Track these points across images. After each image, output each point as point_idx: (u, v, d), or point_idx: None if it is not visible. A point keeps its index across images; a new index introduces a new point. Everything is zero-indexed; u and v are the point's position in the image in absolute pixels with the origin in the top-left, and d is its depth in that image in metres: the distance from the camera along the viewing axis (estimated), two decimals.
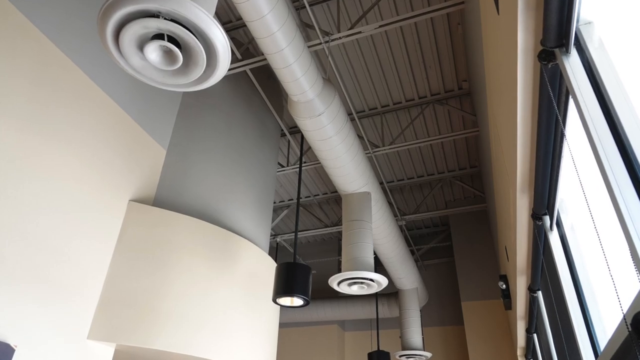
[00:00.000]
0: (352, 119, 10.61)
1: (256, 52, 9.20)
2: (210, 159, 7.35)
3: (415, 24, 8.57)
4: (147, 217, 6.14)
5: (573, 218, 4.47)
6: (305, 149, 11.12)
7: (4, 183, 4.53)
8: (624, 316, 2.46)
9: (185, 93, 7.67)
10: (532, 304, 6.94)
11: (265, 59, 7.48)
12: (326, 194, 13.56)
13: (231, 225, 7.20)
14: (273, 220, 13.87)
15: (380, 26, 7.13)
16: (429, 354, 11.01)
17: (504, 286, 8.91)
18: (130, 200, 6.10)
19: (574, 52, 2.83)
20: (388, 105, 10.34)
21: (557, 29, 2.81)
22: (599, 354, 3.84)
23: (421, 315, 14.01)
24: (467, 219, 13.52)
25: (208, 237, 6.54)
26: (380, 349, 14.80)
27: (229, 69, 7.77)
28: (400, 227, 13.45)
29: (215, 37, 2.88)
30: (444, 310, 14.37)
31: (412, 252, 15.30)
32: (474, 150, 11.60)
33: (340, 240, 16.29)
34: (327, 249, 16.11)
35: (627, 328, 2.39)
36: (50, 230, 4.90)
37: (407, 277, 11.76)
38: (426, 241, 15.63)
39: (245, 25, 8.75)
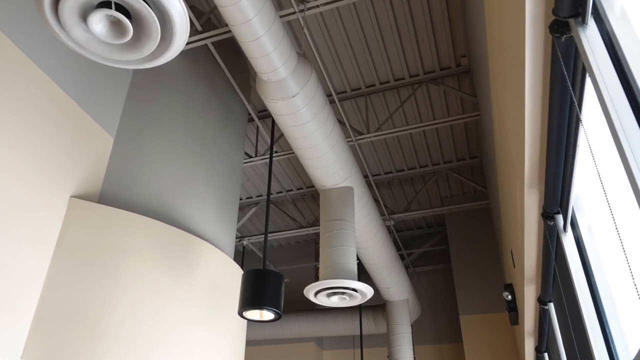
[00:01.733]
0: (332, 102, 10.60)
1: (219, 23, 9.15)
2: (165, 148, 7.31)
3: None
4: (92, 216, 6.10)
5: (590, 217, 4.50)
6: (276, 136, 11.10)
7: None
8: None
9: (136, 71, 7.61)
10: (543, 318, 7.00)
11: (230, 31, 7.44)
12: (301, 189, 13.57)
13: (190, 225, 7.18)
14: (239, 220, 13.85)
15: None
16: None
17: (510, 297, 8.97)
18: (71, 197, 6.05)
19: (591, 23, 2.85)
20: (374, 85, 10.37)
21: None
22: None
23: (412, 331, 14.11)
24: (466, 219, 13.60)
25: (163, 240, 6.51)
26: None
27: (188, 43, 7.71)
28: (388, 227, 13.50)
29: (171, 5, 2.86)
30: (439, 326, 14.45)
31: (402, 257, 15.38)
32: (474, 137, 11.67)
33: (318, 243, 16.31)
34: (303, 254, 16.12)
35: None
36: None
37: (396, 286, 11.81)
38: (418, 244, 15.70)
39: None
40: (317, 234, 15.71)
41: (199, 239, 7.01)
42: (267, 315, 6.55)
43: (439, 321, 14.50)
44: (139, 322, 5.90)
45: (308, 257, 15.99)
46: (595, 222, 4.40)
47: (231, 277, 7.43)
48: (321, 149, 7.50)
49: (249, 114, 10.83)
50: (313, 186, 13.33)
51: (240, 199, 13.90)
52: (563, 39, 3.01)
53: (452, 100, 10.61)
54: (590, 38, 2.80)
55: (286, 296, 15.49)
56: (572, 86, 3.30)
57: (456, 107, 10.77)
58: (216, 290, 7.04)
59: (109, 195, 6.57)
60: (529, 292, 7.18)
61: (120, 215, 6.27)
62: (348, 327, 13.26)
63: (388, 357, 12.03)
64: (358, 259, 12.49)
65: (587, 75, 3.14)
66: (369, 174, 11.10)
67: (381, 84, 10.29)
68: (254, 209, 13.40)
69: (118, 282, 5.91)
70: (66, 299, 5.56)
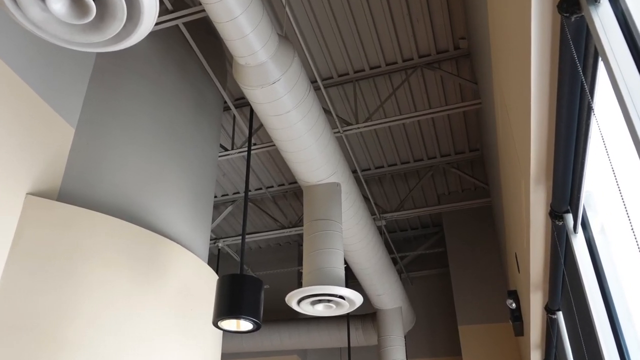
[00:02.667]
0: (317, 89, 10.59)
1: (192, 2, 9.11)
2: (131, 139, 7.28)
3: None
4: (50, 215, 6.06)
5: (603, 217, 4.51)
6: (255, 127, 11.09)
7: None
8: None
9: (99, 55, 7.57)
10: (551, 328, 7.03)
11: (204, 10, 7.42)
12: (283, 185, 13.57)
13: (159, 225, 7.16)
14: (214, 220, 13.81)
15: None
16: None
17: (514, 305, 9.01)
18: (27, 194, 6.01)
19: (604, 1, 2.85)
20: (363, 70, 10.36)
21: None
22: None
23: (406, 343, 14.13)
24: (465, 218, 13.62)
25: (129, 241, 6.49)
26: None
27: (157, 23, 7.68)
28: (379, 228, 13.52)
29: None
30: (435, 337, 14.48)
31: (395, 261, 15.39)
32: (475, 128, 11.69)
33: (301, 245, 16.30)
34: (285, 257, 16.11)
35: None
36: None
37: (388, 293, 11.83)
38: (413, 247, 15.73)
39: None
40: (301, 236, 15.69)
41: (169, 240, 6.99)
42: (245, 325, 6.54)
43: (436, 332, 14.53)
44: (103, 332, 5.88)
45: (290, 260, 15.99)
46: (609, 222, 4.41)
47: (205, 283, 7.42)
48: (305, 141, 7.49)
49: (225, 103, 10.80)
50: (296, 182, 13.33)
51: (215, 197, 13.88)
52: (573, 19, 3.01)
53: (450, 86, 10.63)
54: (603, 18, 2.81)
55: (266, 304, 15.47)
56: (583, 71, 3.31)
57: (454, 95, 10.79)
58: (188, 298, 7.02)
59: (70, 192, 6.54)
60: (535, 300, 7.21)
61: (81, 214, 6.24)
62: (334, 338, 13.26)
63: None
64: (346, 262, 12.51)
65: (600, 59, 3.15)
66: (357, 168, 11.12)
67: (371, 69, 10.29)
68: (230, 208, 13.39)
69: (80, 288, 5.88)
70: (21, 307, 5.53)
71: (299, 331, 13.34)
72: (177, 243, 7.27)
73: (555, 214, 4.84)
